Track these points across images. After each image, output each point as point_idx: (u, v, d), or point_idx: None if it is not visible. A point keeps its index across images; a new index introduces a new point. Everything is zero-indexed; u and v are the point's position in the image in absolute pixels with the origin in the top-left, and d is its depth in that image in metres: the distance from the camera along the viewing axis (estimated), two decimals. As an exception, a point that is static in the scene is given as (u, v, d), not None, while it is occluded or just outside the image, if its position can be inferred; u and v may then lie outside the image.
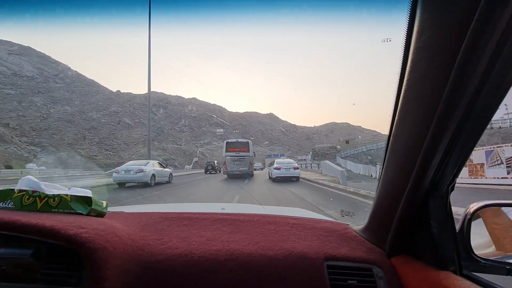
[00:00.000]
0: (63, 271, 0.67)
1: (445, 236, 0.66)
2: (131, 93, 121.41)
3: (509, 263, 0.65)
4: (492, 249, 0.73)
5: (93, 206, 0.85)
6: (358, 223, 0.99)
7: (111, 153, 69.23)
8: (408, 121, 0.61)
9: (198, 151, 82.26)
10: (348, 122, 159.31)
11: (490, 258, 0.67)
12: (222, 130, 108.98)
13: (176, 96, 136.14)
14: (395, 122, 0.64)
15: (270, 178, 15.40)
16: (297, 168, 14.19)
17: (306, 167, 46.31)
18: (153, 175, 11.73)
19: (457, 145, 0.55)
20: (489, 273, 0.64)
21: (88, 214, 0.83)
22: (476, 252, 0.67)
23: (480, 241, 0.72)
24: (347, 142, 64.33)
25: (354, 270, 0.76)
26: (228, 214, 1.06)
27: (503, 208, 0.77)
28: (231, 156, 17.75)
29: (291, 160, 16.31)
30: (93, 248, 0.63)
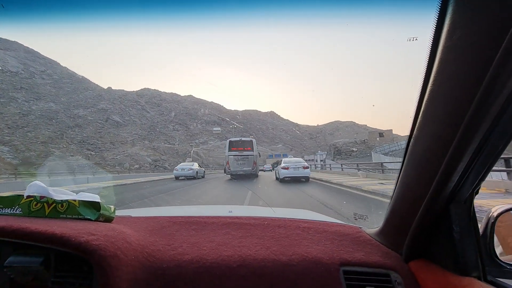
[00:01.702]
0: (73, 279, 0.66)
1: (468, 241, 0.64)
2: (123, 90, 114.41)
3: None
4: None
5: (101, 211, 0.84)
6: (369, 226, 0.97)
7: (93, 153, 61.68)
8: (432, 124, 0.58)
9: (192, 151, 74.75)
10: (353, 121, 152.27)
11: None
12: (219, 128, 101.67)
13: (171, 93, 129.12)
14: (417, 124, 0.62)
15: (277, 178, 14.41)
16: (307, 168, 13.19)
17: (316, 168, 38.87)
18: (196, 171, 18.22)
19: (485, 150, 0.52)
20: None
21: (96, 220, 0.82)
22: (500, 257, 0.65)
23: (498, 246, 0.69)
24: (381, 135, 52.83)
25: (371, 276, 0.73)
26: (237, 217, 1.04)
27: None
28: (234, 155, 16.86)
29: (300, 159, 14.93)
30: (104, 256, 0.62)
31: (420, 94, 0.58)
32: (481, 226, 0.67)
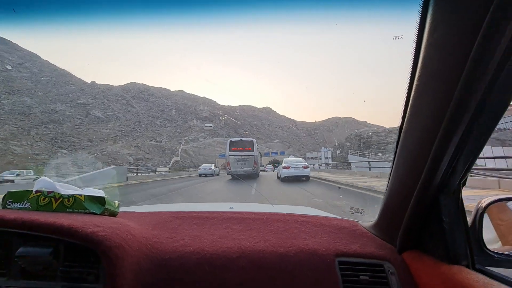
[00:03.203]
0: (81, 268, 0.68)
1: (457, 230, 0.65)
2: (108, 84, 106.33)
3: None
4: (499, 244, 0.73)
5: (106, 206, 0.87)
6: (367, 220, 0.99)
7: (65, 151, 54.27)
8: (420, 117, 0.61)
9: (180, 149, 67.52)
10: (352, 117, 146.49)
11: (504, 253, 0.67)
12: (211, 124, 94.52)
13: (161, 88, 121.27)
14: (406, 118, 0.64)
15: (278, 178, 14.66)
16: (307, 167, 13.58)
17: (320, 167, 32.31)
18: (214, 171, 24.19)
19: (469, 141, 0.54)
20: (502, 267, 0.64)
21: (101, 214, 0.85)
22: (488, 247, 0.66)
23: (490, 236, 0.71)
24: None
25: (366, 266, 0.76)
26: (237, 212, 1.07)
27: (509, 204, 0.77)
28: (234, 155, 17.10)
29: (301, 159, 15.42)
30: (109, 246, 0.65)
31: (408, 89, 0.61)
32: (470, 216, 0.69)
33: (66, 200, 0.84)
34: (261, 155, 20.20)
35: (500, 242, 0.74)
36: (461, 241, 0.65)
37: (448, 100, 0.51)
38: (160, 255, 0.75)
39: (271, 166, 41.69)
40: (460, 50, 0.47)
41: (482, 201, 0.72)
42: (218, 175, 24.05)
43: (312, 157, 47.27)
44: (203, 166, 25.20)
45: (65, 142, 59.87)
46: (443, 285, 0.62)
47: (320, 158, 43.97)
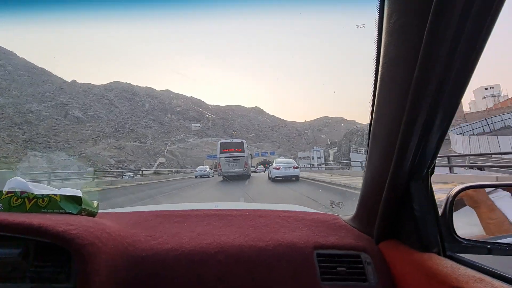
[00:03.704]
0: (52, 268, 0.66)
1: (428, 218, 0.67)
2: (90, 83, 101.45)
3: (489, 243, 0.67)
4: (471, 231, 0.75)
5: (83, 206, 0.84)
6: (349, 213, 1.00)
7: (39, 153, 50.10)
8: (386, 105, 0.62)
9: (166, 150, 64.30)
10: (342, 117, 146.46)
11: (473, 239, 0.69)
12: (199, 124, 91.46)
13: (146, 87, 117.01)
14: (374, 106, 0.65)
15: (269, 178, 15.12)
16: (297, 168, 14.10)
17: (312, 168, 30.32)
18: (209, 172, 25.06)
19: (433, 126, 0.56)
20: (471, 253, 0.66)
21: (78, 214, 0.83)
22: (462, 235, 0.68)
23: (461, 223, 0.72)
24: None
25: (343, 257, 0.77)
26: (220, 210, 1.07)
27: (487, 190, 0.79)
28: (225, 157, 17.36)
29: (291, 160, 16.19)
30: (81, 244, 0.63)
31: (374, 77, 0.62)
32: (441, 204, 0.71)
33: (40, 200, 0.81)
34: (251, 156, 20.95)
35: (472, 228, 0.75)
36: (432, 229, 0.67)
37: (408, 86, 0.51)
38: (137, 253, 0.75)
39: (262, 167, 40.83)
40: (415, 35, 0.48)
41: (453, 188, 0.73)
42: (212, 176, 24.46)
43: (304, 157, 45.38)
44: (199, 168, 26.77)
45: (40, 144, 55.73)
46: (415, 272, 0.64)
47: (313, 158, 42.07)
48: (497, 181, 0.89)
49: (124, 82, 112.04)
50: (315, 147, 49.38)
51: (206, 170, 24.97)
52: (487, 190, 0.77)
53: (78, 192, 0.86)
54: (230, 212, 1.02)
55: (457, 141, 25.45)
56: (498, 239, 0.70)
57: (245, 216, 0.98)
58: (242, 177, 16.83)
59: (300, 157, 46.51)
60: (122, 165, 51.88)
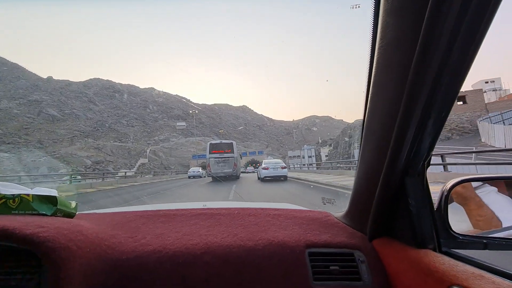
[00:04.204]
0: (20, 275, 0.60)
1: (423, 214, 0.65)
2: (67, 80, 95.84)
3: (485, 237, 0.67)
4: (466, 226, 0.74)
5: (58, 206, 0.78)
6: (341, 210, 0.97)
7: (5, 154, 45.66)
8: (381, 94, 0.58)
9: (148, 150, 60.87)
10: (329, 116, 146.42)
11: (468, 234, 0.68)
12: (184, 123, 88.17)
13: (128, 84, 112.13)
14: (369, 96, 0.61)
15: (258, 178, 15.44)
16: (285, 168, 14.45)
17: (301, 168, 28.37)
18: (202, 173, 26.56)
19: (431, 115, 0.53)
20: (467, 249, 0.65)
21: (53, 215, 0.77)
22: (454, 229, 0.67)
23: (457, 218, 0.71)
24: (461, 99, 29.71)
25: (336, 256, 0.75)
26: (208, 208, 1.03)
27: (476, 185, 0.77)
28: (214, 158, 17.70)
29: (279, 160, 16.56)
30: (52, 248, 0.59)
31: (369, 62, 0.57)
32: (436, 199, 0.69)
33: (10, 201, 0.74)
34: (241, 157, 21.33)
35: (467, 224, 0.73)
36: (428, 225, 0.65)
37: (406, 72, 0.48)
38: (117, 256, 0.71)
39: (251, 167, 39.94)
40: (416, 13, 0.44)
41: (448, 182, 0.71)
42: (205, 176, 25.53)
43: (294, 156, 43.60)
44: (192, 169, 29.43)
45: (8, 144, 51.21)
46: (410, 270, 0.62)
47: (303, 157, 40.27)
48: (493, 174, 0.85)
49: (105, 79, 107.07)
50: (305, 145, 47.70)
51: (199, 171, 27.73)
52: (474, 185, 0.77)
53: (53, 192, 0.80)
54: (219, 211, 0.99)
55: (495, 132, 22.35)
56: (492, 233, 0.70)
57: (234, 215, 0.95)
58: (231, 178, 17.10)
59: (290, 156, 44.75)
60: (99, 166, 48.37)
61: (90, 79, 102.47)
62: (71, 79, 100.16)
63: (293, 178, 15.30)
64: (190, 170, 29.46)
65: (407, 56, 0.47)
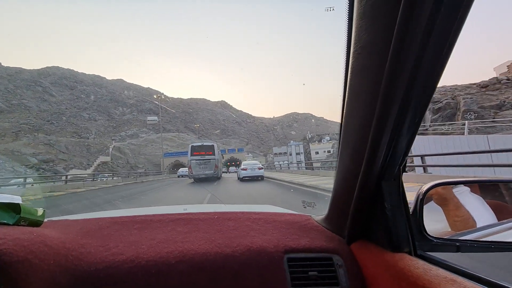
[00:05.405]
0: None
1: (399, 218, 0.66)
2: (20, 67, 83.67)
3: (458, 240, 0.68)
4: (441, 228, 0.75)
5: (22, 215, 0.71)
6: (321, 213, 0.96)
7: None
8: (357, 98, 0.58)
9: (112, 147, 52.73)
10: (310, 113, 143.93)
11: (442, 237, 0.69)
12: (155, 118, 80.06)
13: (93, 75, 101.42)
14: (345, 100, 0.61)
15: (238, 178, 16.45)
16: (261, 168, 15.80)
17: (289, 167, 23.26)
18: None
19: (405, 120, 0.53)
20: (441, 252, 0.66)
21: (16, 224, 0.70)
22: (430, 232, 0.68)
23: (432, 221, 0.72)
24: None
25: (315, 261, 0.75)
26: (186, 213, 1.00)
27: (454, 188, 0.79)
28: (196, 160, 17.95)
29: (256, 162, 17.63)
30: (9, 262, 0.54)
31: (345, 67, 0.57)
32: (411, 203, 0.70)
33: None
34: (223, 158, 20.60)
35: (444, 223, 0.75)
36: (403, 228, 0.66)
37: (380, 76, 0.48)
38: (84, 267, 0.67)
39: (233, 167, 36.65)
40: (388, 17, 0.44)
41: (422, 186, 0.72)
42: (188, 176, 28.73)
43: (280, 153, 38.67)
44: (181, 169, 32.31)
45: None
46: (386, 273, 0.63)
47: (291, 154, 35.18)
48: (467, 178, 0.91)
49: (65, 67, 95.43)
50: (292, 141, 42.97)
51: (186, 172, 27.23)
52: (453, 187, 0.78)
53: (17, 199, 0.73)
54: (197, 216, 0.96)
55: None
56: (463, 235, 0.72)
57: (213, 220, 0.93)
58: (212, 179, 17.42)
59: (275, 153, 39.86)
60: (47, 165, 40.10)
61: (48, 67, 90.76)
62: (24, 67, 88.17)
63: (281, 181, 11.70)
64: (179, 170, 33.43)
65: (381, 59, 0.47)
